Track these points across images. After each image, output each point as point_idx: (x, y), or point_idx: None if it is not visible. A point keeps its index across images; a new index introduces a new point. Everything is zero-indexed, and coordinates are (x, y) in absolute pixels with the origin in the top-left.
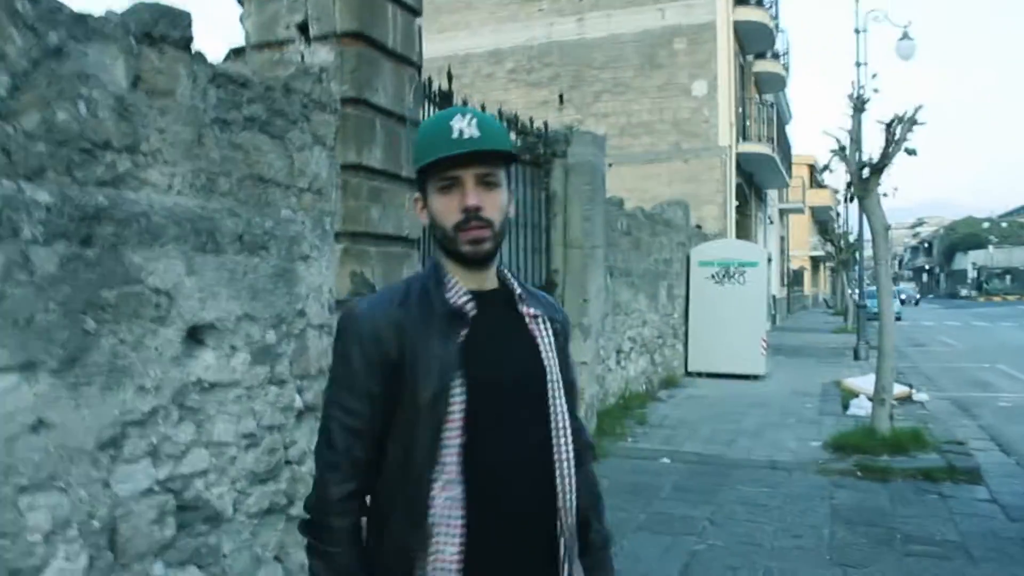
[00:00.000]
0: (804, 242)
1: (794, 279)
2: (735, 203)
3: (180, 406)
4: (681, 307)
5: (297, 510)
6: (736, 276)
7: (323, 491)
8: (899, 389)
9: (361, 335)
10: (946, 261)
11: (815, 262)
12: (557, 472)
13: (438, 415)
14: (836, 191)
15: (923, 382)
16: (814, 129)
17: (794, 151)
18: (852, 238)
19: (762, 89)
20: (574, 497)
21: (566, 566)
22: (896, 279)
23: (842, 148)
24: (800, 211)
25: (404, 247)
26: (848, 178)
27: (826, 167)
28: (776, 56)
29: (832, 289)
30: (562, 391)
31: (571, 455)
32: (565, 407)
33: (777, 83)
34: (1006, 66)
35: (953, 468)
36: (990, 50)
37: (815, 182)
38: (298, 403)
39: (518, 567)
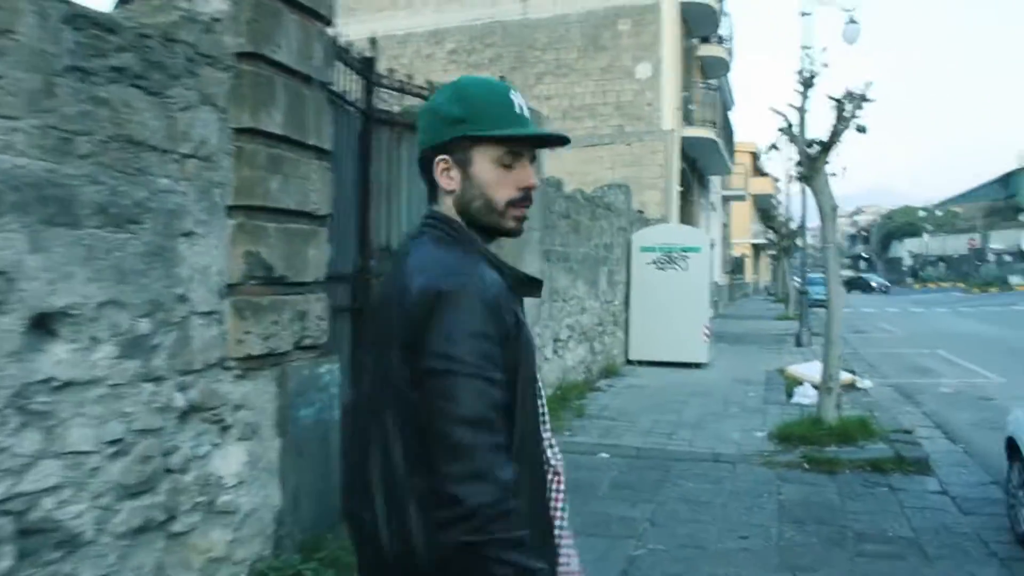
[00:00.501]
0: (746, 229)
1: (736, 266)
2: (679, 188)
3: (21, 410)
4: (622, 294)
5: (181, 525)
6: (678, 262)
7: (498, 478)
8: (843, 376)
9: (488, 307)
10: (883, 249)
11: (756, 249)
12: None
13: (535, 378)
14: (777, 180)
15: (866, 369)
16: (756, 116)
17: (737, 138)
18: (794, 225)
19: (706, 74)
20: None
21: None
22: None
23: (789, 126)
24: (742, 198)
25: (310, 224)
26: (796, 158)
27: (772, 146)
28: (721, 40)
29: (773, 276)
30: None
31: None
32: None
33: (721, 68)
34: (944, 55)
35: (902, 458)
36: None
37: (757, 169)
38: (180, 402)
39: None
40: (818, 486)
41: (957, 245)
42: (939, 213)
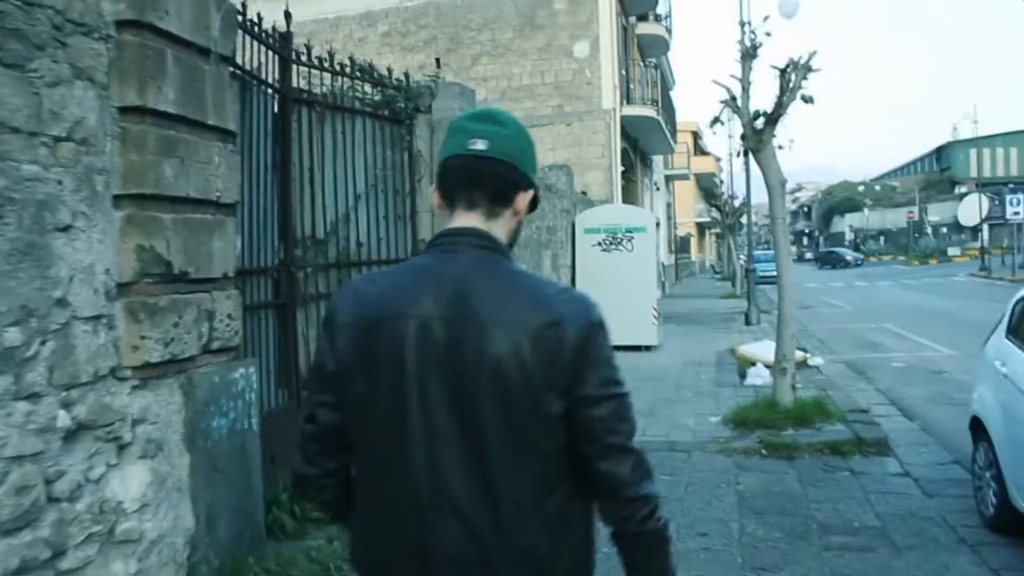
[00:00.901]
0: (690, 209)
1: (681, 246)
2: (621, 168)
3: None
4: (567, 277)
5: (73, 561)
6: (624, 243)
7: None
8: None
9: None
10: (825, 224)
11: (701, 228)
12: None
13: None
14: (719, 159)
15: (816, 346)
16: (697, 95)
17: (679, 117)
18: (738, 202)
19: (645, 53)
20: None
21: None
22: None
23: (733, 98)
24: (686, 177)
25: (215, 213)
26: (740, 131)
27: (716, 119)
28: (659, 19)
29: (719, 255)
30: None
31: None
32: None
33: (660, 46)
34: (880, 31)
35: (860, 440)
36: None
37: (699, 148)
38: (64, 421)
39: None
40: (777, 473)
41: (895, 219)
42: (877, 188)
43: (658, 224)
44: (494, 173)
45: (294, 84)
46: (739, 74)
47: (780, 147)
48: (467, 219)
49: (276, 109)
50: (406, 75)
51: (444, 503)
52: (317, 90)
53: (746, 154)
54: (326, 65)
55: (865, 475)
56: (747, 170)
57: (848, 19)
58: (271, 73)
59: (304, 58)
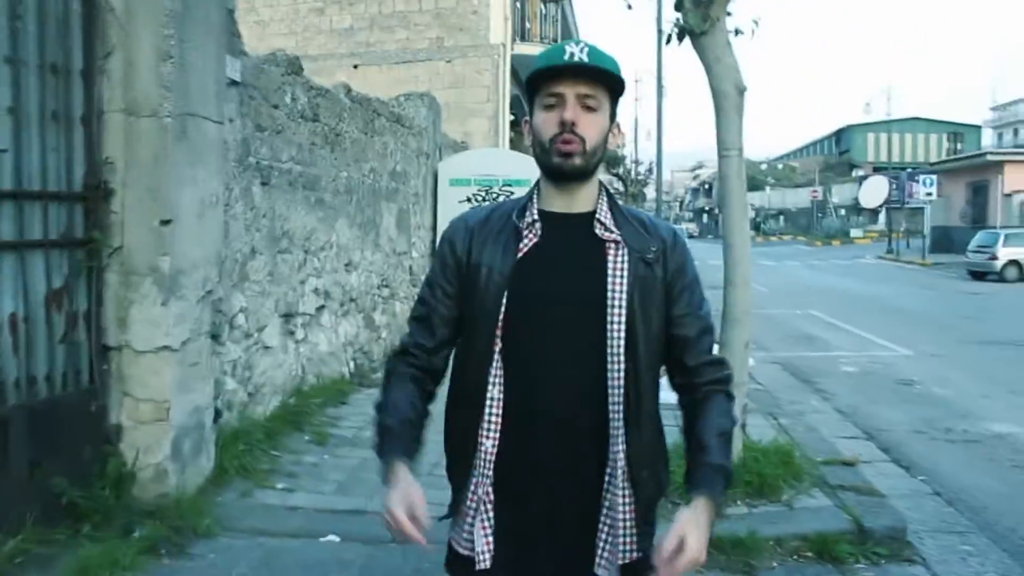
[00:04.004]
0: None
1: None
2: (510, 117)
3: None
4: (426, 241)
5: None
6: (502, 200)
7: (394, 351)
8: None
9: (445, 237)
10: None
11: None
12: (611, 407)
13: (490, 321)
14: (619, 126)
15: None
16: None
17: None
18: (643, 168)
19: None
20: (638, 432)
21: (611, 493)
22: (678, 220)
23: None
24: None
25: None
26: (672, 19)
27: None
28: None
29: None
30: (625, 321)
31: (634, 391)
32: (623, 337)
33: None
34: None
35: (863, 531)
36: None
37: None
38: None
39: (551, 480)
40: None
41: (796, 199)
42: (779, 167)
43: None
44: None
45: None
46: None
47: (737, 32)
48: None
49: None
50: None
51: None
52: None
53: (687, 37)
54: None
55: None
56: (659, 110)
57: None
58: None
59: None
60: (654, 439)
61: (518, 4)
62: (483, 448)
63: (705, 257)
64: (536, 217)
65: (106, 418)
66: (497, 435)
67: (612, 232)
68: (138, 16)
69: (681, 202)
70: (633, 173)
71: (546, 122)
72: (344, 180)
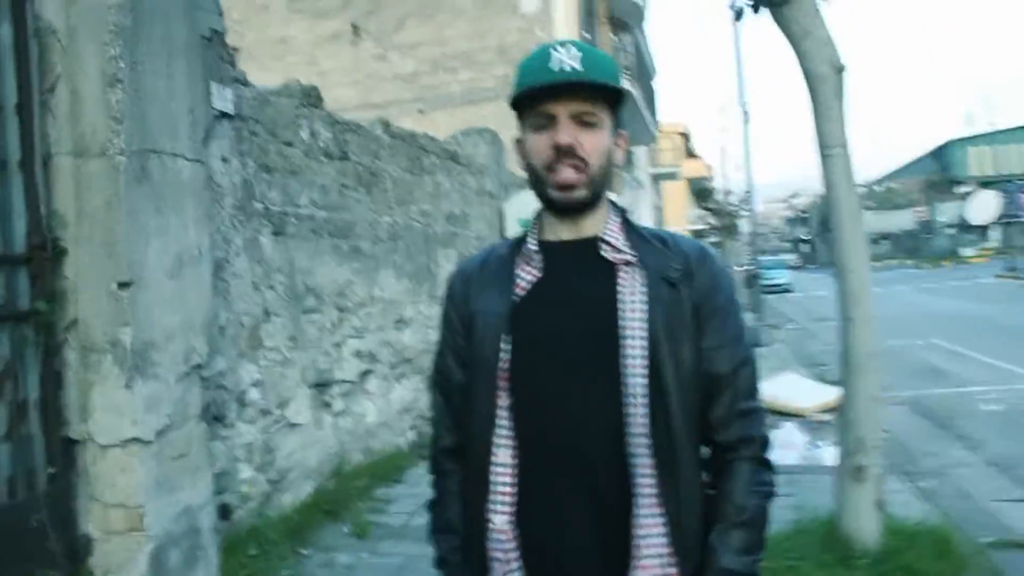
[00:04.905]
0: (683, 215)
1: None
2: None
3: None
4: None
5: None
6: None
7: (432, 443)
8: (830, 393)
9: (447, 291)
10: (824, 231)
11: (697, 236)
12: (633, 465)
13: (488, 373)
14: (709, 166)
15: None
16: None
17: (663, 117)
18: (735, 199)
19: (615, 21)
20: (675, 495)
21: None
22: (777, 252)
23: None
24: (674, 176)
25: None
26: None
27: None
28: None
29: None
30: (649, 353)
31: (666, 439)
32: (644, 374)
33: (633, 15)
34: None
35: None
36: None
37: (689, 152)
38: None
39: (573, 550)
40: None
41: (899, 221)
42: (878, 189)
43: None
44: None
45: None
46: None
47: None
48: None
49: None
50: None
51: None
52: None
53: (764, 6)
54: None
55: None
56: (747, 159)
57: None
58: None
59: None
60: (698, 504)
61: (586, 34)
62: (494, 527)
63: (808, 288)
64: (536, 249)
65: (73, 528)
66: (508, 509)
67: (623, 252)
68: (80, 34)
69: (780, 235)
70: (725, 204)
71: (538, 145)
72: (386, 226)
